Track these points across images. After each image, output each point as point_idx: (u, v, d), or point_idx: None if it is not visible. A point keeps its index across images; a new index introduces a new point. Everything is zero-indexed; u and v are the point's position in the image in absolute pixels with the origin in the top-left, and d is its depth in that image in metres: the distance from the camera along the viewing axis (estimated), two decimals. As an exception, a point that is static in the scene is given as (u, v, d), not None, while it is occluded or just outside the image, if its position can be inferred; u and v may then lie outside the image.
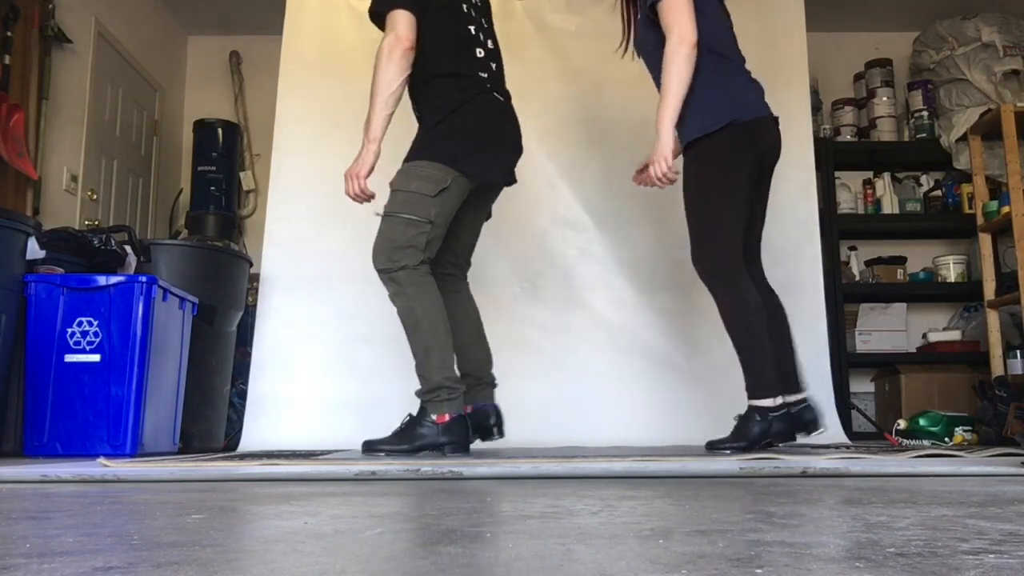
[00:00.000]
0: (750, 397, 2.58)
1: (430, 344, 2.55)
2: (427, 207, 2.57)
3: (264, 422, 3.53)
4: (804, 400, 2.67)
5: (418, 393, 2.59)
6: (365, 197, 2.66)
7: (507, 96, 2.82)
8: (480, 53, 2.75)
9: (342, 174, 2.71)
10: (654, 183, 2.70)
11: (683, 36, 2.52)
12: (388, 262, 2.57)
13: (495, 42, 2.87)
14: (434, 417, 2.54)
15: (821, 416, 2.71)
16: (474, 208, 2.80)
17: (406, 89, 2.67)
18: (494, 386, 2.83)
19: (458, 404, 2.57)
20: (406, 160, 2.64)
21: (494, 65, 2.80)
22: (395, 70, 2.58)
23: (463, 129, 2.63)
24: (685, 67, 2.54)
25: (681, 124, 2.63)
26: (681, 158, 2.70)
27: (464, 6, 2.76)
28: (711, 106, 2.61)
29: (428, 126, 2.66)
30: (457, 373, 2.64)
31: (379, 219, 2.64)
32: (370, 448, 2.55)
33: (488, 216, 2.93)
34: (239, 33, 5.51)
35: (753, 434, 2.54)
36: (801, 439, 2.67)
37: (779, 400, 2.57)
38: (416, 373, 2.59)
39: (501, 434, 2.77)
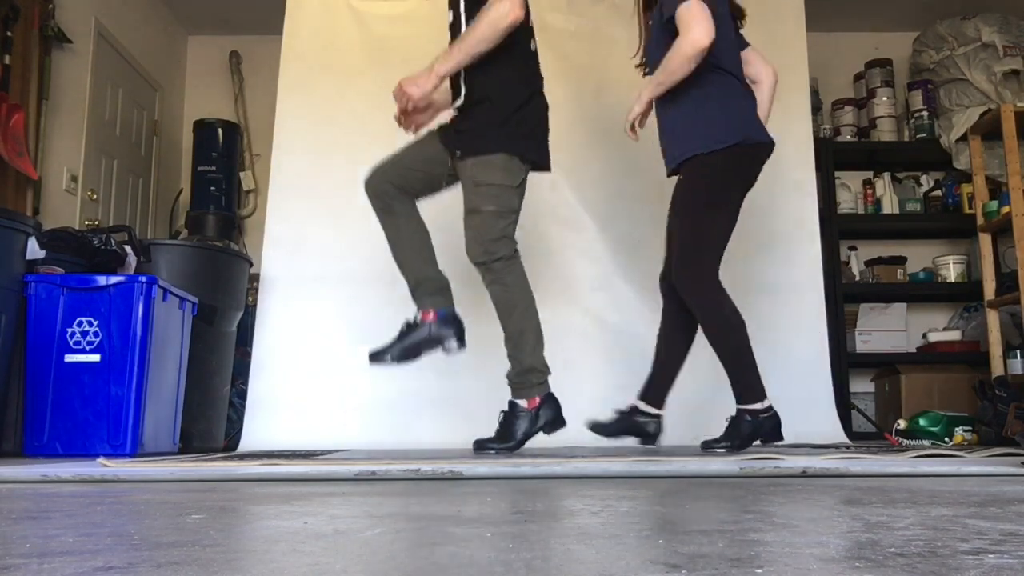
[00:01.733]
0: (740, 403, 2.67)
1: (524, 327, 2.68)
2: (511, 198, 2.67)
3: (264, 422, 3.53)
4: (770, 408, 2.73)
5: (509, 375, 2.71)
6: (415, 108, 2.66)
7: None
8: (533, 46, 2.85)
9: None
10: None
11: (696, 40, 2.50)
12: (485, 255, 2.64)
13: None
14: (524, 404, 2.68)
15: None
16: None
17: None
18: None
19: (547, 387, 2.72)
20: (476, 153, 2.65)
21: (538, 59, 2.89)
22: (498, 34, 2.59)
23: (532, 122, 2.72)
24: (687, 64, 2.54)
25: (686, 137, 2.66)
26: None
27: None
28: (719, 123, 2.64)
29: (499, 119, 2.65)
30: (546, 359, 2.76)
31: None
32: (481, 447, 2.66)
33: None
34: (239, 33, 5.51)
35: (744, 433, 2.64)
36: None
37: (767, 403, 2.66)
38: (508, 356, 2.71)
39: (463, 344, 2.83)
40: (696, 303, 2.67)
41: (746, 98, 2.73)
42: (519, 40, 2.71)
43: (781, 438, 2.72)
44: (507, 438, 2.66)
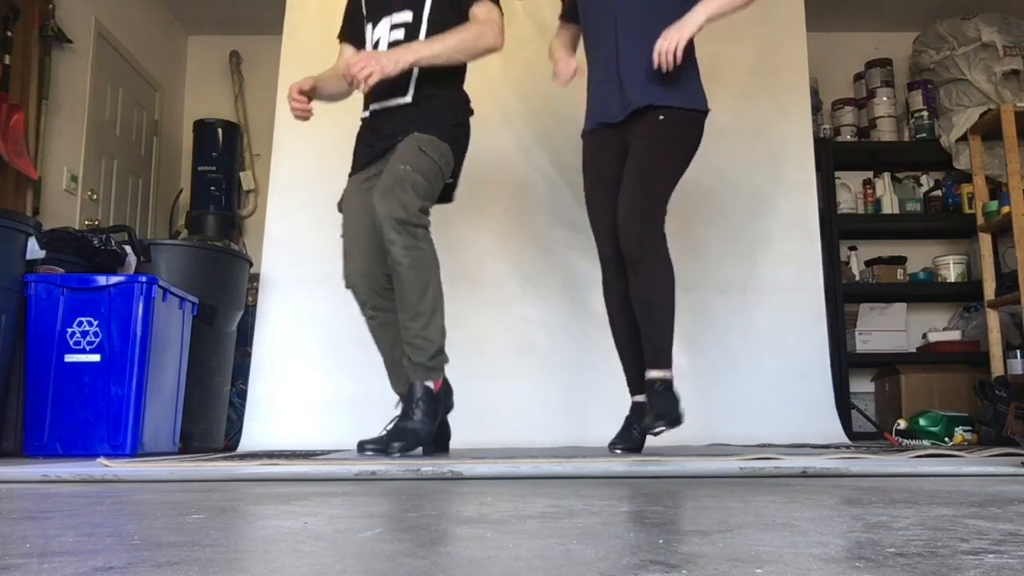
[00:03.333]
0: (661, 367, 2.52)
1: (438, 305, 2.52)
2: (438, 182, 2.62)
3: (264, 422, 3.53)
4: None
5: (418, 362, 2.51)
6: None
7: None
8: None
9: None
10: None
11: None
12: (415, 215, 2.50)
13: None
14: (430, 385, 2.51)
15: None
16: None
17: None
18: None
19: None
20: (420, 131, 2.60)
21: None
22: (474, 56, 2.63)
23: (463, 142, 2.72)
24: (742, 2, 2.51)
25: (679, 86, 2.55)
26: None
27: None
28: (700, 88, 2.62)
29: (442, 120, 2.65)
30: None
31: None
32: (399, 443, 2.47)
33: None
34: (239, 33, 5.51)
35: (674, 403, 2.50)
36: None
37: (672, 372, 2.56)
38: (413, 337, 2.50)
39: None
40: (646, 253, 2.48)
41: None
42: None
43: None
44: (429, 430, 2.50)
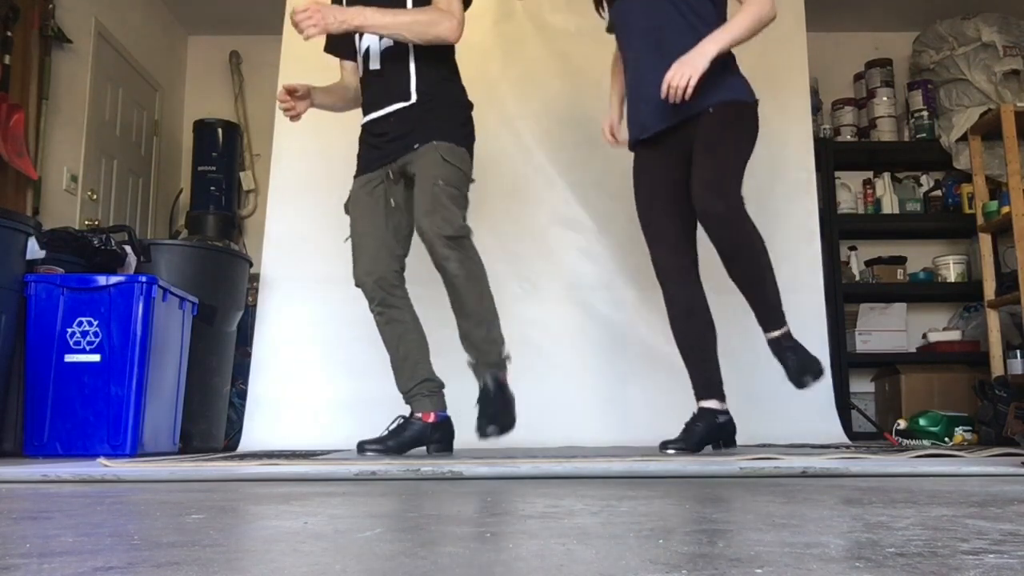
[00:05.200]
0: (780, 326, 2.57)
1: (494, 307, 2.62)
2: (467, 187, 2.67)
3: (264, 422, 3.53)
4: None
5: (486, 360, 2.60)
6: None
7: None
8: None
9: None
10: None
11: (774, 8, 2.52)
12: (463, 228, 2.58)
13: None
14: (500, 378, 2.61)
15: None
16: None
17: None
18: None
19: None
20: (438, 139, 2.63)
21: None
22: (425, 39, 2.62)
23: (472, 138, 2.75)
24: (760, 27, 2.52)
25: (723, 82, 2.56)
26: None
27: None
28: (740, 81, 2.64)
29: (452, 121, 2.68)
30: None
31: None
32: (485, 430, 2.59)
33: None
34: (239, 33, 5.51)
35: (801, 358, 2.56)
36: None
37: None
38: (481, 340, 2.60)
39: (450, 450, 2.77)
40: (735, 224, 2.48)
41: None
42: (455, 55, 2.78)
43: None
44: (510, 421, 2.62)
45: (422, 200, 2.58)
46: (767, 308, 2.57)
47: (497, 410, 2.60)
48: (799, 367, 2.54)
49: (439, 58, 2.71)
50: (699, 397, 2.70)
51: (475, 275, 2.59)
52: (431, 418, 2.64)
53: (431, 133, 2.63)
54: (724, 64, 2.58)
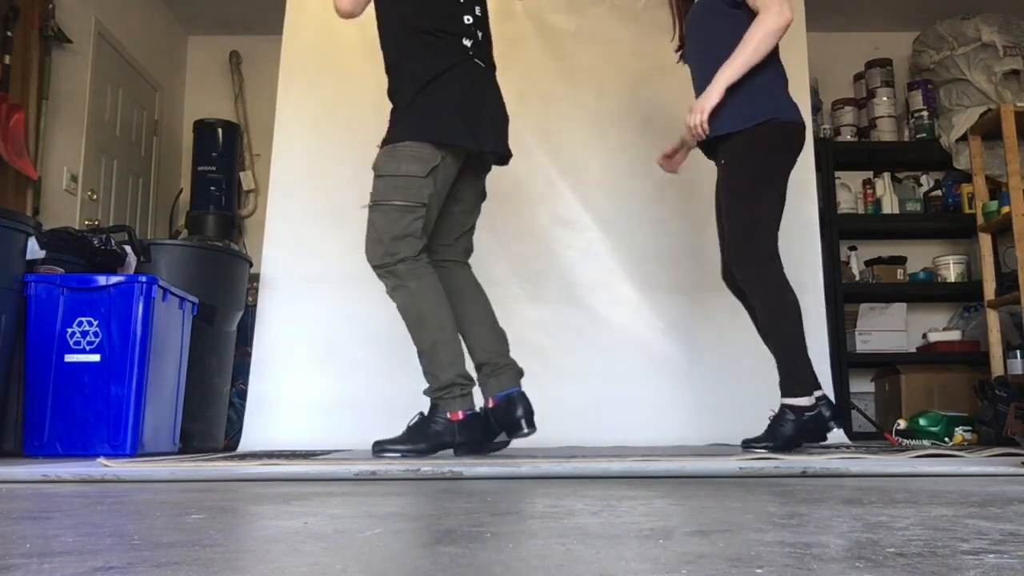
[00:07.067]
0: (785, 395, 2.51)
1: (437, 339, 2.40)
2: (419, 189, 2.41)
3: (264, 422, 3.53)
4: None
5: (427, 392, 2.45)
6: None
7: (492, 66, 2.63)
8: (468, 19, 2.56)
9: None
10: (686, 141, 2.76)
11: (784, 11, 2.52)
12: (385, 256, 2.40)
13: (484, 10, 2.67)
14: (448, 415, 2.41)
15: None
16: (468, 186, 2.64)
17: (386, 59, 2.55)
18: (518, 371, 2.59)
19: (470, 401, 2.45)
20: (386, 142, 2.47)
21: (480, 34, 2.60)
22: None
23: (445, 100, 2.43)
24: (772, 39, 2.54)
25: (713, 117, 2.57)
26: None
27: None
28: (750, 101, 2.58)
29: (405, 101, 2.45)
30: (468, 368, 2.50)
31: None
32: (382, 449, 2.40)
33: (483, 196, 2.75)
34: (239, 33, 5.51)
35: (786, 434, 2.47)
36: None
37: (813, 399, 2.51)
38: (424, 372, 2.45)
39: (532, 427, 2.50)
40: (756, 284, 2.53)
41: (778, 76, 2.67)
42: (430, 13, 2.49)
43: (824, 438, 2.59)
44: (417, 439, 2.39)
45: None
46: (783, 374, 2.53)
47: (410, 434, 2.43)
48: (769, 437, 2.49)
49: (396, 26, 2.51)
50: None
51: (409, 304, 2.41)
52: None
53: (387, 135, 2.48)
54: (731, 90, 2.57)
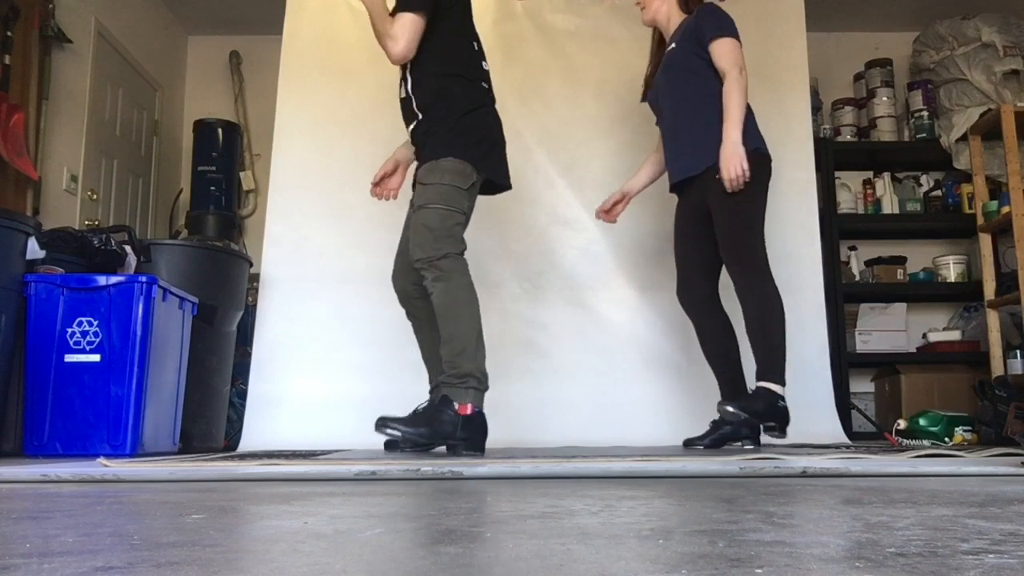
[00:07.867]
0: (763, 380, 2.82)
1: (466, 331, 2.57)
2: (461, 199, 2.65)
3: (264, 422, 3.53)
4: None
5: (443, 379, 2.57)
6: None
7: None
8: (485, 66, 2.85)
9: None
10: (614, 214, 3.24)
11: (743, 70, 2.88)
12: (432, 250, 2.59)
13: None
14: (456, 406, 2.53)
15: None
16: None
17: (402, 81, 2.77)
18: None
19: (481, 399, 2.57)
20: (430, 158, 2.68)
21: (489, 80, 2.89)
22: (384, 48, 2.69)
23: (482, 132, 2.72)
24: (745, 94, 2.88)
25: (708, 146, 2.87)
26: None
27: (471, 19, 2.86)
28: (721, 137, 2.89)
29: (446, 124, 2.69)
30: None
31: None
32: (384, 424, 2.54)
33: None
34: (239, 33, 5.51)
35: (759, 409, 2.80)
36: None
37: (783, 391, 2.83)
38: (444, 360, 2.58)
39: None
40: (756, 289, 2.83)
41: (751, 114, 2.94)
42: (458, 47, 2.77)
43: (785, 435, 2.85)
44: (420, 424, 2.53)
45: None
46: (762, 362, 2.85)
47: (414, 419, 2.58)
48: (746, 408, 2.84)
49: (434, 67, 2.72)
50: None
51: (447, 293, 2.59)
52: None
53: (428, 153, 2.70)
54: (716, 119, 2.89)
